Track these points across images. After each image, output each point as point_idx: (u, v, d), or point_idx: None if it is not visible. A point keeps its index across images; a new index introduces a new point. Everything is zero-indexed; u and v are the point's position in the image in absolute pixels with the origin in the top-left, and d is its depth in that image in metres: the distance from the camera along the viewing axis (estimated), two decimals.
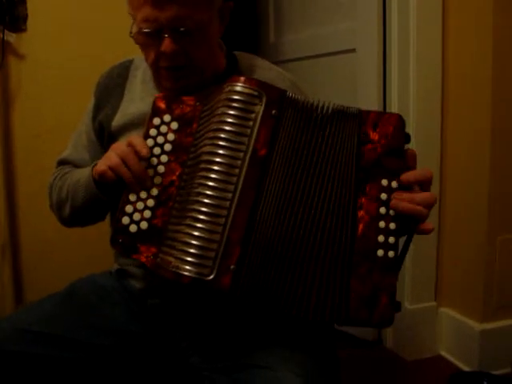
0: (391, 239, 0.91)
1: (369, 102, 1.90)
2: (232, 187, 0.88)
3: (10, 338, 1.01)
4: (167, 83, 1.03)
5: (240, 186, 0.88)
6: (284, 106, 0.91)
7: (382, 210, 0.91)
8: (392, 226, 0.91)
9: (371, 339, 2.03)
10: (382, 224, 0.91)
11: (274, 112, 0.90)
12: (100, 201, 1.02)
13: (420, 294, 1.91)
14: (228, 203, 0.88)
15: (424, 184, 0.92)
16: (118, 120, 1.10)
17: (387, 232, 0.91)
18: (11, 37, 1.84)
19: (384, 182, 0.92)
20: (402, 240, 0.95)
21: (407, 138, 0.94)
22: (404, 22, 1.80)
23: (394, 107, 1.85)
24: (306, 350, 0.98)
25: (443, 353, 1.91)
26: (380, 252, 0.91)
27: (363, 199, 0.92)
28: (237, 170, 0.89)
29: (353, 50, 2.00)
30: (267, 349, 0.97)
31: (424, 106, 1.83)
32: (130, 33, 1.00)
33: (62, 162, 1.19)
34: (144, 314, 1.10)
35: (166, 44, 0.96)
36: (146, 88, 1.11)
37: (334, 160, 0.92)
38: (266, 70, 1.12)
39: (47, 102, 1.93)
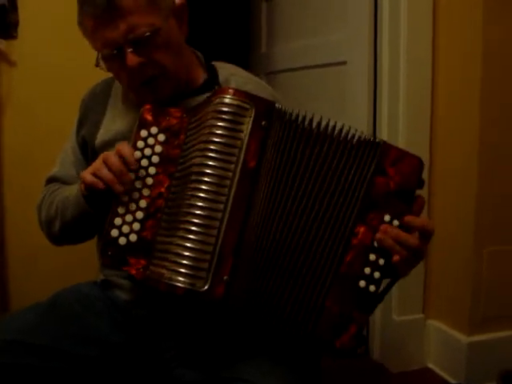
0: (376, 274, 0.91)
1: (358, 114, 1.91)
2: (224, 198, 0.89)
3: None
4: (146, 98, 1.02)
5: (231, 198, 0.89)
6: (273, 117, 0.92)
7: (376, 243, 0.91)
8: (381, 261, 0.91)
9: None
10: (372, 257, 0.91)
11: (263, 123, 0.91)
12: (89, 216, 1.02)
13: (408, 306, 1.91)
14: (220, 214, 0.89)
15: (423, 234, 0.91)
16: (100, 137, 1.11)
17: (375, 266, 0.91)
18: (2, 44, 1.84)
19: (387, 218, 0.91)
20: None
21: (420, 184, 0.95)
22: (395, 34, 1.80)
23: (383, 120, 1.86)
24: (287, 363, 0.98)
25: (430, 365, 1.90)
26: (362, 283, 0.91)
27: (362, 228, 0.91)
28: (228, 182, 0.89)
29: (343, 63, 2.00)
30: (249, 362, 0.97)
31: (414, 119, 1.83)
32: (97, 64, 1.01)
33: (51, 180, 1.19)
34: (128, 325, 1.10)
35: (130, 58, 0.96)
36: (128, 105, 1.11)
37: (341, 181, 0.91)
38: (246, 80, 1.12)
39: (38, 108, 1.92)
